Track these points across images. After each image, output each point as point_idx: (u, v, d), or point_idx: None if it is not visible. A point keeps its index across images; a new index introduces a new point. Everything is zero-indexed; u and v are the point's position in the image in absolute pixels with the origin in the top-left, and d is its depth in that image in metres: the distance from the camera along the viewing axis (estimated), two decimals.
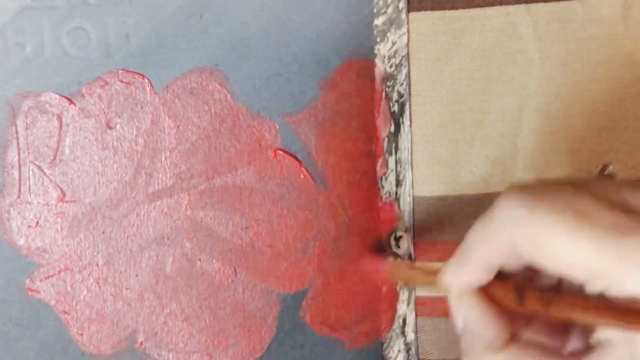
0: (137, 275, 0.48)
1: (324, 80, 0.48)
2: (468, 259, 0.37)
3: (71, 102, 0.46)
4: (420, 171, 0.50)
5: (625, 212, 0.32)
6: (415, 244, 0.51)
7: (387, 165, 0.50)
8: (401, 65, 0.49)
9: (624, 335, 0.32)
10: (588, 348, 0.34)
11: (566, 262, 0.32)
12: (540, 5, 0.49)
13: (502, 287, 0.37)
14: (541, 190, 0.33)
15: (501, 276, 0.37)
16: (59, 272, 0.47)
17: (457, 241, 0.51)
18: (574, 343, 0.37)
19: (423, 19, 0.49)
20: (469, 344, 0.37)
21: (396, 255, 0.49)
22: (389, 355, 0.51)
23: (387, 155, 0.49)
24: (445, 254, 0.51)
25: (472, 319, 0.37)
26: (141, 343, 0.48)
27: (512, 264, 0.36)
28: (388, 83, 0.49)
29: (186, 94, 0.47)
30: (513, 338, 0.36)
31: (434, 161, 0.50)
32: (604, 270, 0.31)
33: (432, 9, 0.49)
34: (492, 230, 0.35)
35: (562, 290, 0.36)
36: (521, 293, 0.36)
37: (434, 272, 0.40)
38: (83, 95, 0.47)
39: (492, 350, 0.35)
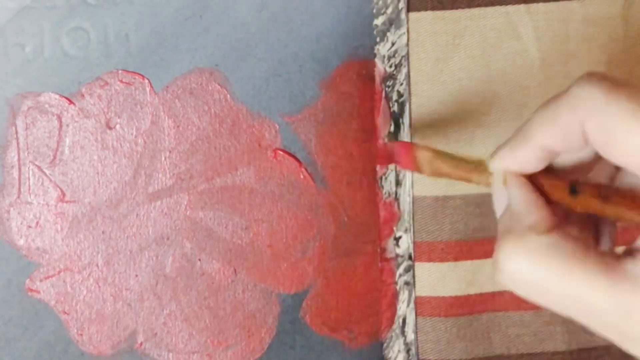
0: (136, 276, 0.48)
1: (324, 80, 0.48)
2: (527, 140, 0.35)
3: (71, 102, 0.46)
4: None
5: None
6: (415, 244, 0.51)
7: (386, 166, 0.50)
8: (401, 65, 0.49)
9: None
10: (630, 252, 0.33)
11: (630, 151, 0.31)
12: (540, 5, 0.49)
13: (552, 179, 0.36)
14: (623, 80, 0.32)
15: (548, 171, 0.36)
16: (59, 272, 0.47)
17: (457, 241, 0.51)
18: (604, 246, 0.37)
19: (423, 19, 0.49)
20: (510, 223, 0.35)
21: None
22: (389, 356, 0.51)
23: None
24: (445, 254, 0.51)
25: (517, 200, 0.35)
26: (141, 343, 0.48)
27: (570, 155, 0.35)
28: (388, 83, 0.49)
29: (186, 94, 0.47)
30: (557, 227, 0.34)
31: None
32: None
33: (432, 9, 0.49)
34: (563, 112, 0.33)
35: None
36: (575, 187, 0.35)
37: (474, 162, 0.39)
38: (83, 96, 0.47)
39: (536, 232, 0.34)
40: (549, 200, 0.36)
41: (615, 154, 0.32)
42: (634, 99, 0.31)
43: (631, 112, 0.31)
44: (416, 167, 0.42)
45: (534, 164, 0.36)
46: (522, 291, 0.34)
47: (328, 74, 0.48)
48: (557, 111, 0.33)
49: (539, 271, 0.33)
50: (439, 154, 0.41)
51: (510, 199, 0.36)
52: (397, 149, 0.44)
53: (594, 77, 0.33)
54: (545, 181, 0.36)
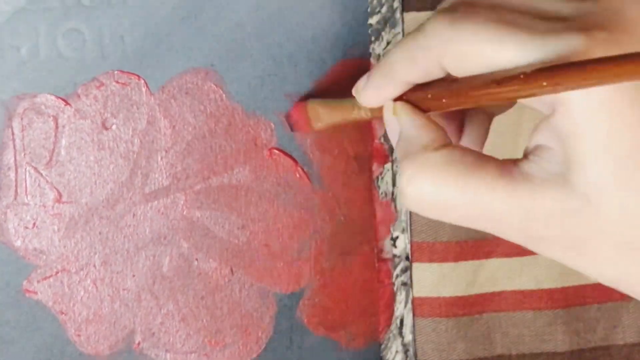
0: (134, 276, 0.48)
1: (319, 79, 0.48)
2: (390, 79, 0.37)
3: (67, 103, 0.47)
4: None
5: (553, 19, 0.32)
6: (415, 245, 0.51)
7: (383, 165, 0.50)
8: None
9: (557, 138, 0.31)
10: (525, 155, 0.33)
11: (479, 63, 0.32)
12: None
13: (417, 91, 0.37)
14: (464, 7, 0.33)
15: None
16: (56, 273, 0.47)
17: (458, 241, 0.51)
18: None
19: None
20: (405, 147, 0.36)
21: None
22: (387, 357, 0.50)
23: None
24: (446, 255, 0.51)
25: (408, 126, 0.36)
26: (139, 343, 0.48)
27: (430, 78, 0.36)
28: None
29: (182, 94, 0.47)
30: (450, 143, 0.35)
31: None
32: (510, 62, 0.31)
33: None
34: (419, 54, 0.34)
35: None
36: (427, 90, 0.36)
37: (352, 102, 0.41)
38: (79, 97, 0.47)
39: (430, 149, 0.34)
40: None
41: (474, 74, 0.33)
42: (476, 22, 0.32)
43: (476, 36, 0.32)
44: (309, 126, 0.46)
45: (400, 93, 0.37)
46: (429, 212, 0.35)
47: (323, 73, 0.48)
48: (414, 53, 0.35)
49: (440, 188, 0.34)
50: (323, 103, 0.45)
51: (402, 127, 0.36)
52: (292, 113, 0.48)
53: (440, 13, 0.34)
54: (413, 96, 0.37)
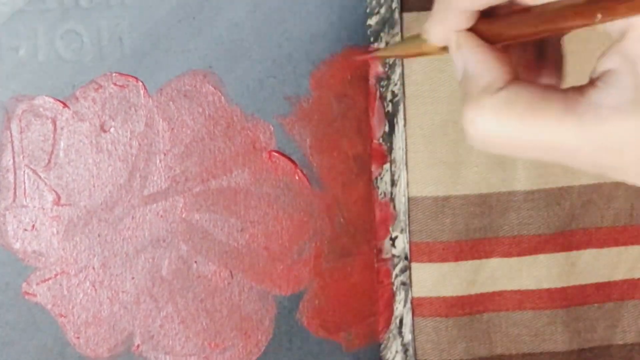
0: (133, 278, 0.48)
1: (318, 81, 0.48)
2: (451, 9, 0.36)
3: (65, 105, 0.47)
4: (420, 171, 0.50)
5: None
6: (415, 245, 0.51)
7: (382, 166, 0.49)
8: (395, 65, 0.49)
9: (627, 63, 0.30)
10: (591, 83, 0.32)
11: None
12: None
13: (488, 23, 0.36)
14: None
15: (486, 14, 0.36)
16: (55, 275, 0.47)
17: (457, 241, 0.51)
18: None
19: (416, 19, 0.49)
20: (468, 88, 0.35)
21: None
22: (387, 357, 0.50)
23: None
24: (446, 255, 0.51)
25: (470, 63, 0.35)
26: (138, 346, 0.48)
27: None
28: (382, 83, 0.49)
29: (180, 97, 0.47)
30: (514, 79, 0.34)
31: (434, 161, 0.50)
32: None
33: (426, 9, 0.49)
34: None
35: None
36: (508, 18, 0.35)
37: (420, 38, 0.39)
38: (77, 99, 0.47)
39: (490, 91, 0.33)
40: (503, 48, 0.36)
41: None
42: None
43: None
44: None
45: (465, 24, 0.36)
46: (498, 149, 0.34)
47: (322, 74, 0.48)
48: None
49: (506, 127, 0.33)
50: (391, 50, 0.45)
51: (465, 64, 0.35)
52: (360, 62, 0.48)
53: None
54: (483, 28, 0.36)
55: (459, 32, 0.36)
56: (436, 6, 0.37)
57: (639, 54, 0.30)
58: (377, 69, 0.49)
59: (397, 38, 0.49)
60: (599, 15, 0.29)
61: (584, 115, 0.31)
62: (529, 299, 0.53)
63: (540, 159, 0.33)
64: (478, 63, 0.35)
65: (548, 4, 0.32)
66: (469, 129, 0.34)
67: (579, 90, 0.32)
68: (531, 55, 0.38)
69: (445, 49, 0.38)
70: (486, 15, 0.36)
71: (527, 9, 0.33)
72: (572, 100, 0.32)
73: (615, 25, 0.31)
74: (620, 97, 0.31)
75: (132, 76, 0.47)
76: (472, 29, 0.36)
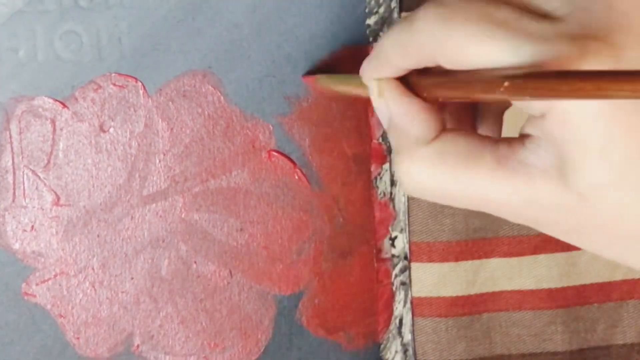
0: (132, 279, 0.48)
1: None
2: (384, 64, 0.36)
3: (64, 106, 0.47)
4: None
5: (542, 17, 0.31)
6: (415, 245, 0.51)
7: (381, 165, 0.49)
8: None
9: (551, 139, 0.31)
10: (521, 140, 0.33)
11: (468, 61, 0.31)
12: None
13: (417, 76, 0.36)
14: (457, 2, 0.32)
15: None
16: (55, 276, 0.47)
17: (458, 241, 0.51)
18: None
19: None
20: (397, 140, 0.35)
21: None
22: (387, 357, 0.50)
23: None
24: (446, 255, 0.51)
25: (397, 112, 0.35)
26: (137, 346, 0.48)
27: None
28: None
29: (179, 97, 0.47)
30: (443, 130, 0.35)
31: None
32: (498, 61, 0.30)
33: None
34: (411, 45, 0.33)
35: None
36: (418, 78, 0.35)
37: (357, 81, 0.40)
38: (76, 99, 0.47)
39: (422, 142, 0.34)
40: (430, 101, 0.36)
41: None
42: (470, 20, 0.31)
43: (469, 35, 0.31)
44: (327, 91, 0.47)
45: (395, 75, 0.36)
46: (430, 198, 0.35)
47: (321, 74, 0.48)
48: (406, 45, 0.34)
49: (438, 179, 0.33)
50: (331, 79, 0.45)
51: (391, 113, 0.35)
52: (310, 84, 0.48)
53: (431, 6, 0.33)
54: (413, 79, 0.36)
55: (383, 79, 0.36)
56: (373, 58, 0.37)
57: (562, 136, 0.30)
58: None
59: None
60: (502, 89, 0.29)
61: (513, 172, 0.32)
62: (529, 299, 0.53)
63: (474, 209, 0.34)
64: (405, 114, 0.35)
65: (471, 71, 0.32)
66: (402, 179, 0.35)
67: (510, 145, 0.33)
68: (466, 104, 0.39)
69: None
70: (417, 70, 0.36)
71: (455, 72, 0.33)
72: (503, 156, 0.32)
73: (534, 105, 0.31)
74: (547, 161, 0.31)
75: (132, 76, 0.47)
76: (400, 78, 0.36)
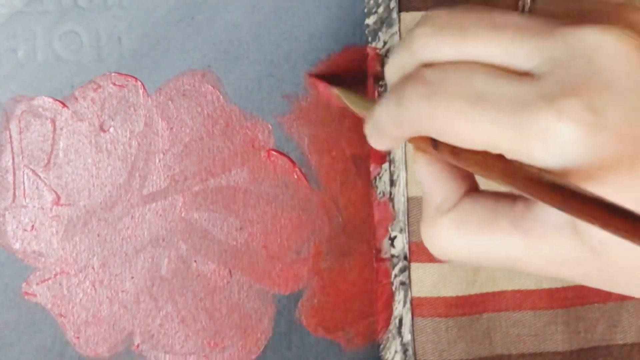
0: (132, 278, 0.48)
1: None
2: (384, 136, 0.37)
3: (64, 105, 0.47)
4: None
5: (523, 78, 0.31)
6: (416, 245, 0.51)
7: (380, 165, 0.49)
8: None
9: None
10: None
11: (474, 145, 0.32)
12: None
13: (424, 141, 0.36)
14: (435, 76, 0.33)
15: None
16: (55, 275, 0.47)
17: None
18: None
19: (414, 19, 0.49)
20: (424, 204, 0.37)
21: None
22: (386, 357, 0.50)
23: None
24: None
25: (423, 179, 0.37)
26: (138, 345, 0.48)
27: None
28: (381, 82, 0.49)
29: (179, 96, 0.47)
30: (467, 193, 0.36)
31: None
32: (510, 149, 0.30)
33: (423, 8, 0.49)
34: (404, 122, 0.34)
35: None
36: (435, 143, 0.35)
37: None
38: (76, 99, 0.47)
39: (441, 212, 0.35)
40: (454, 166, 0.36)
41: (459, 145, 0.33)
42: (451, 96, 0.32)
43: (452, 113, 0.32)
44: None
45: (400, 143, 0.38)
46: (459, 261, 0.36)
47: (321, 73, 0.48)
48: (399, 120, 0.34)
49: (461, 243, 0.35)
50: (349, 98, 0.45)
51: (419, 177, 0.37)
52: (319, 87, 0.48)
53: (415, 82, 0.33)
54: (420, 144, 0.36)
55: (413, 142, 0.37)
56: (371, 129, 0.38)
57: None
58: (376, 68, 0.49)
59: (395, 37, 0.49)
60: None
61: (530, 232, 0.32)
62: (529, 299, 0.53)
63: (504, 268, 0.35)
64: (430, 179, 0.36)
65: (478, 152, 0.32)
66: (428, 244, 0.36)
67: (525, 203, 0.33)
68: None
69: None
70: None
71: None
72: (519, 217, 0.33)
73: None
74: (560, 217, 0.31)
75: (131, 76, 0.47)
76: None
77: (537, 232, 0.32)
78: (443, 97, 0.32)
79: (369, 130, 0.38)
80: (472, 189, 0.36)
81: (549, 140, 0.29)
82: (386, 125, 0.36)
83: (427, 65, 0.34)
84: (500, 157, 0.31)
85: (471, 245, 0.34)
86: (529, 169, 0.30)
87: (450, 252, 0.35)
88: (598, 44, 0.30)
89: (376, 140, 0.38)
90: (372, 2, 0.48)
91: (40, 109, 0.47)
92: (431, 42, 0.34)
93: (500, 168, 0.31)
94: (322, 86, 0.48)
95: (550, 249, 0.32)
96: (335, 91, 0.47)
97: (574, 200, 0.28)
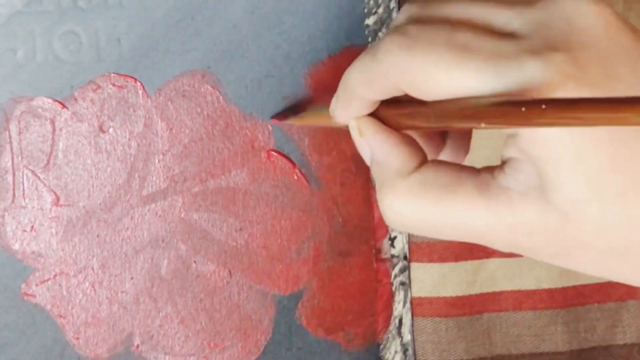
0: (132, 279, 0.48)
1: (317, 81, 0.48)
2: (353, 98, 0.36)
3: (64, 106, 0.47)
4: None
5: (506, 36, 0.31)
6: (415, 245, 0.51)
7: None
8: None
9: (526, 157, 0.31)
10: (501, 166, 0.33)
11: (447, 96, 0.31)
12: None
13: (386, 108, 0.36)
14: (416, 28, 0.33)
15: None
16: (55, 276, 0.47)
17: (457, 241, 0.51)
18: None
19: None
20: (380, 176, 0.36)
21: None
22: (386, 357, 0.50)
23: None
24: (446, 255, 0.51)
25: (376, 148, 0.36)
26: (137, 346, 0.48)
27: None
28: None
29: (178, 97, 0.47)
30: (424, 162, 0.35)
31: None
32: (471, 89, 0.31)
33: None
34: (376, 76, 0.34)
35: None
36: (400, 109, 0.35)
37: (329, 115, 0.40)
38: (76, 99, 0.47)
39: (402, 176, 0.34)
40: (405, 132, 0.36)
41: (434, 99, 0.33)
42: (432, 48, 0.32)
43: (432, 63, 0.31)
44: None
45: (367, 110, 0.37)
46: (415, 231, 0.35)
47: (320, 74, 0.48)
48: (371, 76, 0.34)
49: (421, 210, 0.33)
50: (301, 119, 0.46)
51: (371, 148, 0.36)
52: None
53: (393, 35, 0.33)
54: (385, 113, 0.36)
55: (361, 118, 0.37)
56: (339, 91, 0.37)
57: (535, 154, 0.30)
58: None
59: None
60: (483, 125, 0.30)
61: (494, 200, 0.32)
62: (529, 299, 0.53)
63: (459, 240, 0.34)
64: (385, 149, 0.36)
65: (437, 102, 0.32)
66: (386, 213, 0.35)
67: (491, 172, 0.33)
68: (434, 136, 0.39)
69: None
70: (387, 102, 0.36)
71: (423, 102, 0.33)
72: (484, 184, 0.32)
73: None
74: (527, 183, 0.31)
75: (131, 76, 0.47)
76: (374, 114, 0.37)
77: (502, 199, 0.32)
78: (424, 45, 0.32)
79: (335, 99, 0.38)
80: (431, 159, 0.36)
81: (532, 92, 0.29)
82: (356, 85, 0.35)
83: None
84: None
85: (432, 212, 0.33)
86: (488, 99, 0.30)
87: (410, 219, 0.34)
88: (577, 7, 0.31)
89: (341, 108, 0.38)
90: (372, 2, 0.48)
91: (39, 110, 0.46)
92: (415, 11, 0.34)
93: (462, 109, 0.31)
94: (281, 122, 0.48)
95: (515, 217, 0.31)
96: (290, 119, 0.48)
97: (554, 106, 0.27)
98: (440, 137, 0.39)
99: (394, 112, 0.36)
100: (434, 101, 0.32)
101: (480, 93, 0.30)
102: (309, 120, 0.46)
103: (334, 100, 0.39)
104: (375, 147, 0.36)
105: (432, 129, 0.36)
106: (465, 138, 0.40)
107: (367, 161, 0.37)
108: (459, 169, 0.34)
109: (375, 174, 0.36)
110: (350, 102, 0.37)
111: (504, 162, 0.32)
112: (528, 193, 0.31)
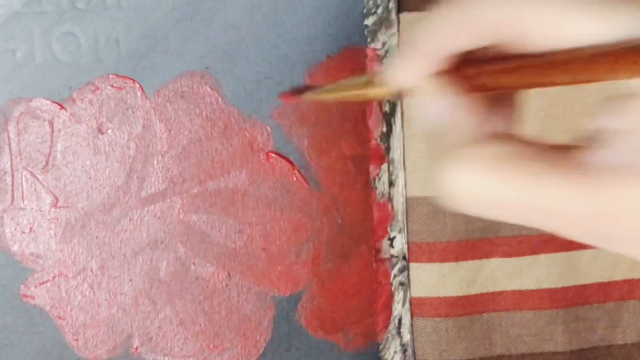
0: (131, 280, 0.48)
1: (316, 81, 0.48)
2: (422, 54, 0.31)
3: (62, 107, 0.47)
4: (420, 171, 0.50)
5: None
6: (415, 245, 0.51)
7: (379, 166, 0.49)
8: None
9: (636, 123, 0.27)
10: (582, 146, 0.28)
11: (557, 35, 0.27)
12: None
13: (464, 67, 0.31)
14: None
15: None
16: (54, 277, 0.47)
17: (458, 242, 0.51)
18: None
19: (413, 19, 0.49)
20: (449, 136, 0.30)
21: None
22: (386, 357, 0.50)
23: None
24: (446, 255, 0.51)
25: (453, 109, 0.31)
26: (136, 348, 0.48)
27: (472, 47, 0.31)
28: None
29: (177, 98, 0.47)
30: (503, 132, 0.31)
31: (433, 162, 0.50)
32: (594, 35, 0.26)
33: (422, 9, 0.49)
34: (470, 20, 0.29)
35: None
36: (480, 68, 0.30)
37: (364, 80, 0.35)
38: (74, 101, 0.47)
39: (481, 142, 0.29)
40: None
41: (535, 40, 0.28)
42: None
43: (552, 3, 0.27)
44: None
45: (434, 69, 0.31)
46: (479, 210, 0.30)
47: (319, 75, 0.48)
48: (462, 21, 0.30)
49: (496, 187, 0.29)
50: (322, 89, 0.40)
51: (446, 109, 0.31)
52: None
53: None
54: (463, 73, 0.31)
55: (432, 76, 0.31)
56: (410, 46, 0.32)
57: None
58: (375, 68, 0.49)
59: (394, 38, 0.49)
60: (621, 75, 0.26)
61: (587, 179, 0.27)
62: (529, 299, 0.52)
63: (531, 225, 0.30)
64: (462, 110, 0.31)
65: (563, 51, 0.28)
66: (451, 186, 0.29)
67: (578, 149, 0.28)
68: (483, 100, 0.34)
69: (399, 94, 0.34)
70: (462, 60, 0.31)
71: (521, 56, 0.29)
72: (574, 161, 0.28)
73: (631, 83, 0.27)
74: (628, 160, 0.27)
75: (129, 78, 0.47)
76: (443, 74, 0.32)
77: (597, 179, 0.27)
78: None
79: (393, 61, 0.33)
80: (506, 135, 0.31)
81: None
82: (436, 33, 0.30)
83: None
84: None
85: (508, 190, 0.28)
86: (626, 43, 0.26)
87: (476, 194, 0.29)
88: None
89: (407, 66, 0.32)
90: (371, 3, 0.48)
91: (38, 111, 0.46)
92: None
93: (593, 57, 0.26)
94: (292, 100, 0.47)
95: (610, 198, 0.27)
96: (305, 94, 0.43)
97: None
98: (488, 105, 0.33)
99: (489, 67, 0.30)
100: (547, 52, 0.28)
101: (589, 29, 0.27)
102: (330, 94, 0.41)
103: (394, 65, 0.33)
104: (451, 107, 0.31)
105: (532, 86, 0.30)
106: (513, 107, 0.34)
107: (430, 124, 0.32)
108: (541, 143, 0.29)
109: (443, 137, 0.31)
110: (418, 58, 0.31)
111: (594, 138, 0.28)
112: (630, 171, 0.27)
